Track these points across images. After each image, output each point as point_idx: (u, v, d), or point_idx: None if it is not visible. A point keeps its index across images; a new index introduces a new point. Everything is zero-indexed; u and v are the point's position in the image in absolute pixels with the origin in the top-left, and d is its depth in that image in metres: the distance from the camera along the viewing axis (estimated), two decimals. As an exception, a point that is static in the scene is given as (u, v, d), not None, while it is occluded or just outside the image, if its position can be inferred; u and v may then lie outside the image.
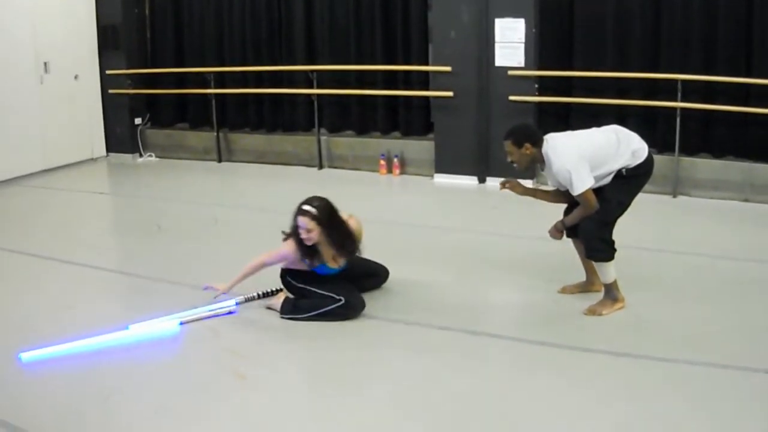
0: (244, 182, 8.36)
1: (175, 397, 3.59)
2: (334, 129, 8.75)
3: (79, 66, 9.10)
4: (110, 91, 9.34)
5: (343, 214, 4.41)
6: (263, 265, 4.42)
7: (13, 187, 8.08)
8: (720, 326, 4.23)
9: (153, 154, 9.52)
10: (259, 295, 4.62)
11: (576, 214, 4.34)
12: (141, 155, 9.50)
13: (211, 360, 3.99)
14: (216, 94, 8.98)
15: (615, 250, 4.31)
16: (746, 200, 6.80)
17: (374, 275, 4.75)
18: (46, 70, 8.65)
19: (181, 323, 4.34)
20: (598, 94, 7.26)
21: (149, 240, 6.14)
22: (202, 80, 8.99)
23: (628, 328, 4.21)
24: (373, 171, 8.33)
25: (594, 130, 4.46)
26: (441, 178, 7.92)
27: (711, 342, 4.02)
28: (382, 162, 8.28)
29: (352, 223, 4.47)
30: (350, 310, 4.35)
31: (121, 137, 9.47)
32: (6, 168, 8.16)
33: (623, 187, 4.30)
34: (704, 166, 7.04)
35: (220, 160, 9.13)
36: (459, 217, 6.69)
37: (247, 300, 4.59)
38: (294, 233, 4.29)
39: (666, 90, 6.99)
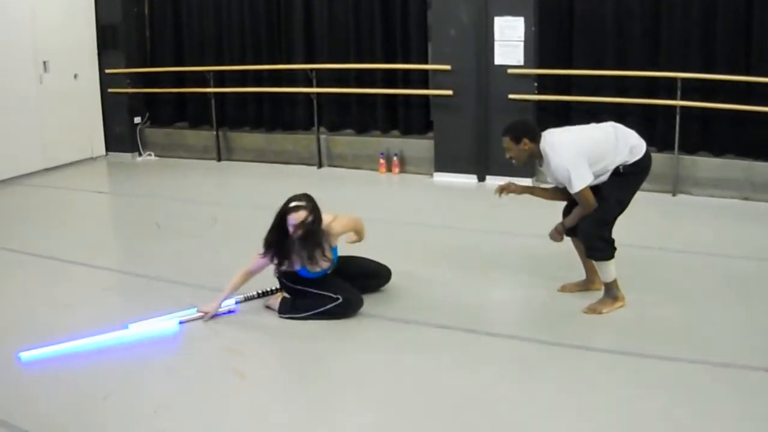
0: (243, 181, 8.36)
1: (174, 397, 3.59)
2: (334, 128, 8.74)
3: (79, 65, 9.08)
4: (110, 90, 9.34)
5: (328, 215, 4.34)
6: (249, 274, 4.42)
7: (13, 186, 8.07)
8: (720, 324, 4.23)
9: (152, 153, 9.51)
10: (258, 294, 4.62)
11: (575, 213, 4.33)
12: (140, 154, 9.49)
13: (211, 359, 3.99)
14: (215, 93, 8.97)
15: (615, 248, 4.31)
16: (746, 198, 6.80)
17: (376, 276, 4.73)
18: (45, 70, 8.63)
19: (181, 322, 4.34)
20: (597, 92, 7.26)
21: (148, 239, 6.14)
22: (201, 79, 8.98)
23: (629, 327, 4.20)
24: (373, 170, 8.32)
25: (592, 125, 4.48)
26: (440, 177, 7.91)
27: (711, 340, 4.02)
28: (382, 161, 8.28)
29: (338, 224, 4.39)
30: (348, 309, 4.35)
31: (120, 136, 9.47)
32: (5, 167, 8.14)
33: (621, 184, 4.29)
34: (704, 164, 7.03)
35: (219, 159, 9.13)
36: (458, 215, 6.68)
37: (247, 299, 4.59)
38: (276, 230, 4.24)
39: (666, 88, 6.99)
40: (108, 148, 9.55)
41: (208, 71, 8.89)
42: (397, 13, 8.24)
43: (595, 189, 4.27)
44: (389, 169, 8.27)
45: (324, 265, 4.33)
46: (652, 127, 7.09)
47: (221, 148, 9.14)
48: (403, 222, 6.40)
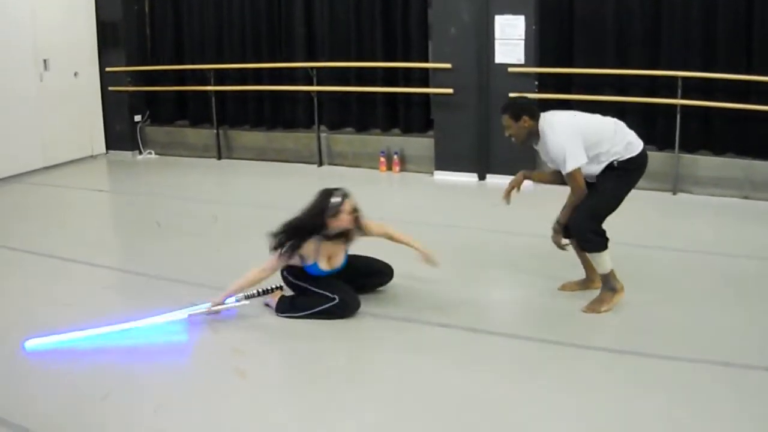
0: (243, 179, 8.36)
1: (174, 396, 3.59)
2: (334, 126, 8.74)
3: (79, 63, 9.09)
4: (110, 88, 9.34)
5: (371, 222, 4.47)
6: (260, 279, 4.41)
7: (13, 184, 8.08)
8: (720, 323, 4.23)
9: (153, 151, 9.51)
10: (259, 292, 4.62)
11: (567, 205, 4.35)
12: (141, 152, 9.49)
13: (212, 358, 3.99)
14: (216, 91, 8.97)
15: (607, 239, 4.31)
16: (746, 197, 6.80)
17: (379, 273, 4.73)
18: (45, 68, 8.64)
19: (181, 321, 4.34)
20: (598, 91, 7.26)
21: (149, 237, 6.14)
22: (201, 77, 8.99)
23: (628, 326, 4.21)
24: (373, 168, 8.32)
25: (595, 114, 4.50)
26: (441, 175, 7.92)
27: (711, 339, 4.02)
28: (382, 159, 8.28)
29: (373, 224, 4.51)
30: (345, 310, 4.36)
31: (120, 134, 9.47)
32: (6, 165, 8.15)
33: (615, 179, 4.30)
34: (704, 163, 7.04)
35: (219, 157, 9.13)
36: (459, 214, 6.68)
37: (248, 297, 4.58)
38: (315, 217, 4.26)
39: (666, 87, 6.99)
40: (108, 147, 9.56)
41: (209, 69, 8.89)
42: (397, 11, 8.24)
43: (589, 185, 4.29)
44: (390, 168, 8.27)
45: (339, 261, 4.39)
46: (653, 125, 7.09)
47: (222, 146, 9.14)
48: (403, 221, 6.36)
